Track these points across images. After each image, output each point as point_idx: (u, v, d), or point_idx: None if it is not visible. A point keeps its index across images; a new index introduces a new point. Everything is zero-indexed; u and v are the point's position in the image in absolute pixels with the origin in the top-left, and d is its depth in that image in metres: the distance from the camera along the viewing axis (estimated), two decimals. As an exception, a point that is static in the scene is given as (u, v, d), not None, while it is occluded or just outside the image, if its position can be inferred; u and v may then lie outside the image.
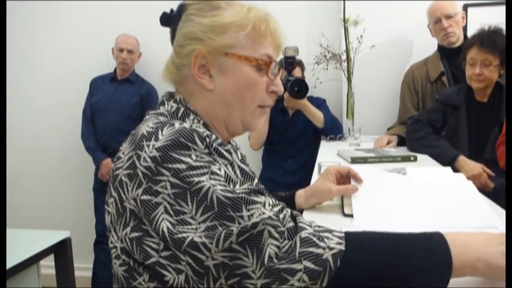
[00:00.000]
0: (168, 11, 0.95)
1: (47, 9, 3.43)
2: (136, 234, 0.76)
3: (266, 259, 0.68)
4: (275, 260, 0.68)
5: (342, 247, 0.70)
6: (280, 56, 2.56)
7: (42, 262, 1.97)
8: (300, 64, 2.72)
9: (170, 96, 0.91)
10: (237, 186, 0.74)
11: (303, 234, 0.71)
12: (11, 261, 1.68)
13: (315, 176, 1.56)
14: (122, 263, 0.80)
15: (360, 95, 2.78)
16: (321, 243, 0.70)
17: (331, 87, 2.98)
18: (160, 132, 0.76)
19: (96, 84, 3.22)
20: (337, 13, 2.85)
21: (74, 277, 2.08)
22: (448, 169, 1.41)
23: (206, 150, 0.75)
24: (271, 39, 0.89)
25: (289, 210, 0.77)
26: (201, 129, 0.77)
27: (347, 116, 2.76)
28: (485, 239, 0.74)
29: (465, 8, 2.70)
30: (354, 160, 1.86)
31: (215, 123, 0.91)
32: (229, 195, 0.71)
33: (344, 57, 2.74)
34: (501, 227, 0.94)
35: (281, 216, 0.73)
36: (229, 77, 0.87)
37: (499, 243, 0.72)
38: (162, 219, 0.71)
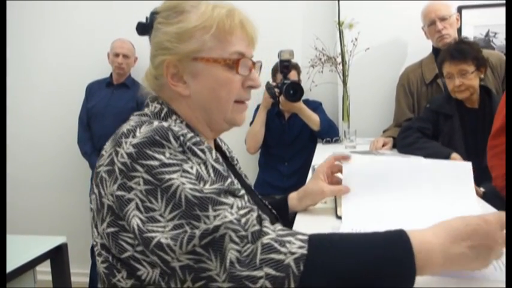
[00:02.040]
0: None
1: (42, 15, 3.43)
2: (112, 229, 0.77)
3: (228, 264, 0.68)
4: (236, 265, 0.68)
5: (304, 251, 0.69)
6: (275, 59, 2.58)
7: (39, 268, 1.96)
8: (296, 67, 2.72)
9: (154, 98, 0.93)
10: (207, 186, 0.74)
11: (265, 240, 0.70)
12: (7, 267, 1.68)
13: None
14: (104, 260, 0.81)
15: (355, 98, 2.79)
16: (283, 249, 0.69)
17: (327, 90, 2.99)
18: (138, 129, 0.77)
19: (92, 90, 3.22)
20: (332, 16, 2.87)
21: (71, 282, 2.07)
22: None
23: (180, 149, 0.76)
24: (240, 33, 0.89)
25: (254, 214, 0.75)
26: (177, 128, 0.78)
27: (343, 119, 2.76)
28: (450, 238, 0.72)
29: (459, 10, 2.72)
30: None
31: (197, 125, 0.92)
32: (197, 194, 0.71)
33: (339, 60, 2.75)
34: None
35: (243, 220, 0.72)
36: (202, 81, 0.89)
37: (464, 239, 0.71)
38: (133, 216, 0.72)
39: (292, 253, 0.68)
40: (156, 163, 0.73)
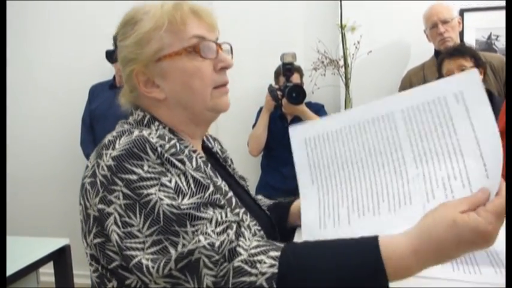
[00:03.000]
0: None
1: (44, 16, 3.44)
2: (99, 239, 0.78)
3: None
4: None
5: (275, 269, 0.68)
6: (277, 62, 2.59)
7: (42, 269, 1.97)
8: (299, 70, 2.73)
9: (137, 106, 0.94)
10: (186, 200, 0.73)
11: (236, 263, 0.69)
12: (10, 269, 1.69)
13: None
14: (95, 270, 0.82)
15: (357, 101, 2.79)
16: (253, 270, 0.69)
17: (329, 93, 2.99)
18: (118, 141, 0.77)
19: (95, 92, 3.21)
20: (334, 19, 2.87)
21: (73, 284, 2.08)
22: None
23: (158, 161, 0.75)
24: (193, 20, 0.88)
25: (231, 231, 0.74)
26: (155, 139, 0.77)
27: (345, 121, 2.76)
28: (434, 251, 0.67)
29: (461, 13, 2.71)
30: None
31: (181, 127, 0.92)
32: (174, 211, 0.71)
33: (341, 63, 2.76)
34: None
35: (218, 243, 0.70)
36: (172, 78, 0.88)
37: (452, 250, 0.67)
38: (112, 231, 0.73)
39: (263, 273, 0.68)
40: (134, 177, 0.73)
